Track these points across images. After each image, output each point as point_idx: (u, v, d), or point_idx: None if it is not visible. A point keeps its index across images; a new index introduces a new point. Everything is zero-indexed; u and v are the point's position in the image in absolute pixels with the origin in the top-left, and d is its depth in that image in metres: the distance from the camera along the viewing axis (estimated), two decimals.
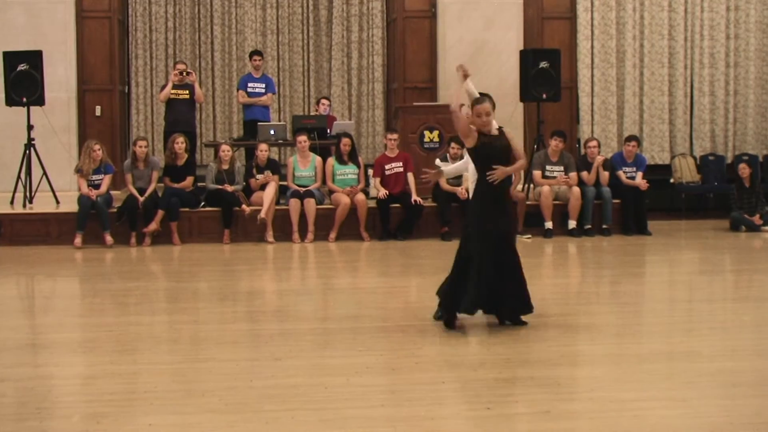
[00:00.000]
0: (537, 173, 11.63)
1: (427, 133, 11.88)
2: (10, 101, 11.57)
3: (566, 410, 4.53)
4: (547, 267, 9.86)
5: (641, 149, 13.17)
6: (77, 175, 10.96)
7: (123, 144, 13.62)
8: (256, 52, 12.93)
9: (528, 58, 12.18)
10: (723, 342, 6.01)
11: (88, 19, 13.24)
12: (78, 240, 10.52)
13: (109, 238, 10.58)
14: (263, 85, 12.63)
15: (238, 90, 12.96)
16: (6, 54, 11.60)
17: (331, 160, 11.47)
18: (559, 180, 11.52)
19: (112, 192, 11.21)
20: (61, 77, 12.87)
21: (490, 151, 6.23)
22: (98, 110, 13.28)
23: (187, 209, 11.07)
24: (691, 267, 9.73)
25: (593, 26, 13.96)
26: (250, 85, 12.61)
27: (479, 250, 6.12)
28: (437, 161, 11.28)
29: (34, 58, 11.53)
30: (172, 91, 11.90)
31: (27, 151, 11.48)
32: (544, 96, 12.06)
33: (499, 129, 6.34)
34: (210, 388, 4.89)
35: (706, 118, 14.22)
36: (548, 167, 11.64)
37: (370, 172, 11.69)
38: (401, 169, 11.38)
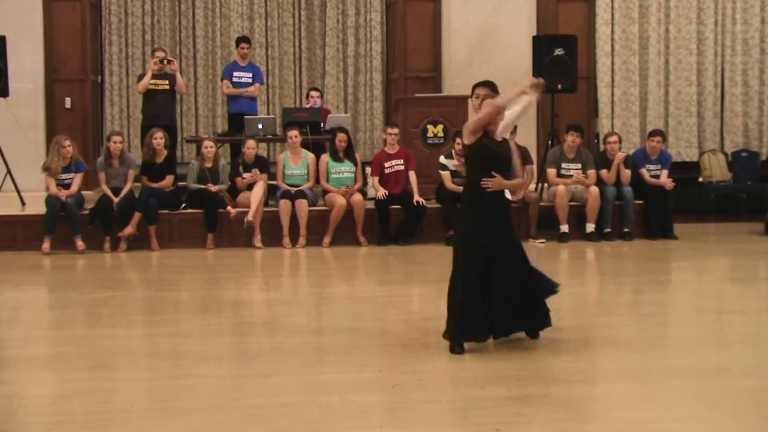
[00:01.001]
0: (551, 171, 11.65)
1: (430, 127, 11.91)
2: None
3: None
4: (563, 275, 9.87)
5: (666, 145, 13.18)
6: (45, 173, 10.97)
7: (96, 139, 13.64)
8: (243, 39, 12.96)
9: (541, 44, 12.21)
10: (756, 357, 6.02)
11: (57, 1, 13.25)
12: (46, 245, 10.53)
13: (80, 243, 10.60)
14: (250, 75, 12.66)
15: (222, 80, 12.99)
16: None
17: (325, 158, 11.50)
18: (575, 179, 11.54)
19: (84, 192, 11.22)
20: (27, 66, 12.88)
21: (490, 154, 6.10)
22: (68, 102, 13.30)
23: (166, 211, 11.08)
24: (722, 274, 9.75)
25: (614, 9, 13.98)
26: (235, 74, 12.64)
27: (465, 267, 6.03)
28: (441, 158, 11.31)
29: None
30: (151, 82, 11.92)
31: None
32: (559, 86, 12.08)
33: (504, 139, 6.27)
34: (191, 408, 4.91)
35: (738, 111, 14.24)
36: (564, 165, 11.66)
37: (368, 170, 11.71)
38: (402, 167, 11.41)
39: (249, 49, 12.90)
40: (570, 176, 11.58)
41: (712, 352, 6.21)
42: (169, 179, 11.25)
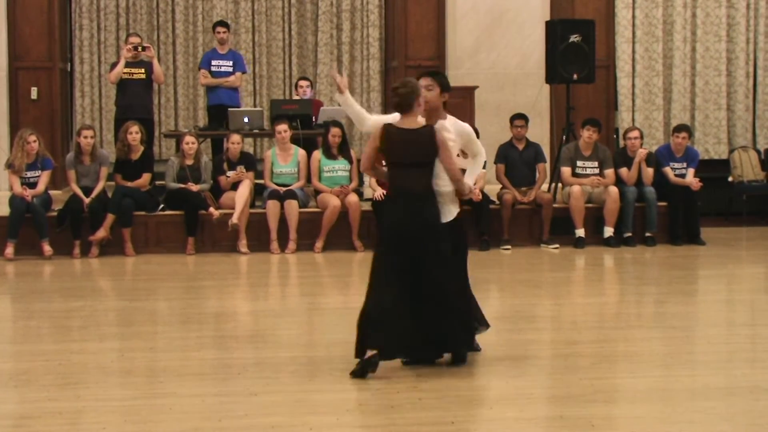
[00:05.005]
0: (566, 170, 11.65)
1: None
2: None
3: None
4: (579, 283, 9.88)
5: (693, 141, 13.19)
6: (8, 171, 10.96)
7: (65, 134, 13.63)
8: (219, 23, 12.95)
9: (555, 30, 12.21)
10: None
11: None
12: (9, 250, 10.52)
13: (47, 248, 10.58)
14: (230, 63, 12.64)
15: (200, 69, 13.00)
16: None
17: (318, 154, 11.49)
18: (592, 179, 11.54)
19: (51, 192, 11.21)
20: None
21: None
22: (34, 92, 13.29)
23: (142, 213, 11.08)
24: (755, 284, 9.74)
25: None
26: (214, 63, 12.63)
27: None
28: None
29: None
30: (125, 70, 11.91)
31: None
32: (575, 76, 12.09)
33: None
34: (170, 430, 4.89)
35: None
36: (580, 163, 11.66)
37: None
38: None
39: (227, 34, 12.83)
40: (586, 175, 11.58)
41: (744, 370, 6.19)
42: (145, 178, 11.24)
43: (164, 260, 10.62)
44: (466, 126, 6.25)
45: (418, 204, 5.95)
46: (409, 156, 5.96)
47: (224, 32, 12.74)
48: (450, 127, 6.15)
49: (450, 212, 6.11)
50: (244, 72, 13.11)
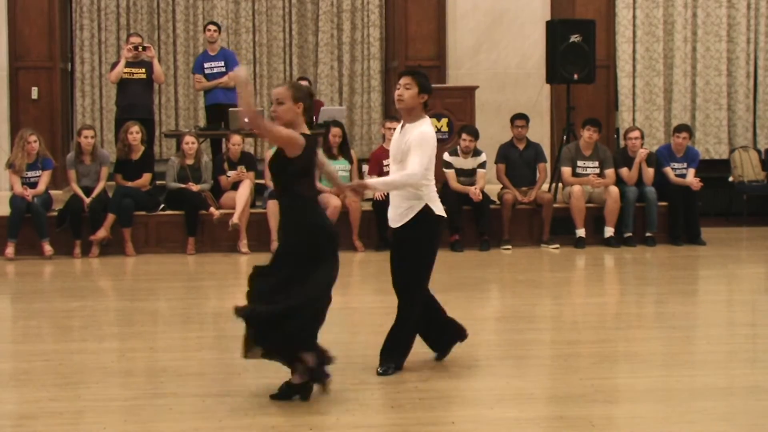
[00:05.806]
0: (566, 170, 11.65)
1: (434, 121, 11.88)
2: None
3: None
4: (579, 283, 9.88)
5: (693, 141, 13.19)
6: (8, 171, 10.96)
7: (65, 134, 13.63)
8: (209, 22, 12.92)
9: (556, 30, 12.21)
10: None
11: None
12: (10, 250, 10.52)
13: (47, 248, 10.58)
14: (222, 63, 12.60)
15: (193, 74, 12.98)
16: None
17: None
18: (592, 179, 11.54)
19: (52, 192, 11.21)
20: None
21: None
22: (35, 92, 13.29)
23: (143, 213, 11.08)
24: (755, 284, 9.74)
25: None
26: (206, 65, 12.59)
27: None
28: (446, 155, 11.28)
29: None
30: (125, 70, 11.90)
31: None
32: (576, 76, 12.09)
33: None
34: (170, 430, 4.89)
35: None
36: (580, 163, 11.66)
37: (365, 168, 11.70)
38: None
39: (217, 33, 12.73)
40: (587, 175, 11.58)
41: (744, 370, 6.20)
42: (145, 178, 11.24)
43: (164, 260, 10.62)
44: (422, 134, 5.93)
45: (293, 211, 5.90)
46: None
47: (214, 30, 12.68)
48: (408, 131, 6.07)
49: (406, 214, 6.05)
50: None
